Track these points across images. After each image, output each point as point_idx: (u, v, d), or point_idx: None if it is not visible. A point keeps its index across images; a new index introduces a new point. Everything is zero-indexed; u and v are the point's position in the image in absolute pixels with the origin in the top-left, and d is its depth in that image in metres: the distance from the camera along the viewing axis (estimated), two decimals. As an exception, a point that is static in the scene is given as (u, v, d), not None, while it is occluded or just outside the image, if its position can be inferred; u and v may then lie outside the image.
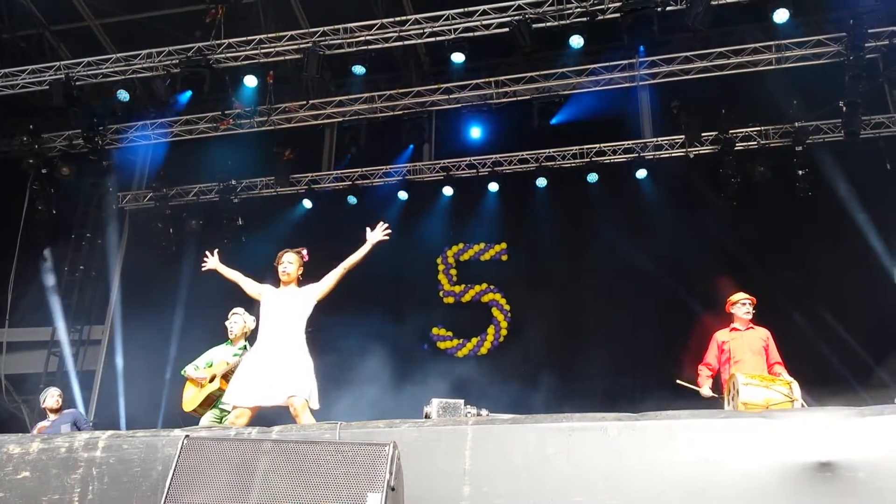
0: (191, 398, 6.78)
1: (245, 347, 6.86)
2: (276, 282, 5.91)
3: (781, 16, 10.07)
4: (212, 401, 6.72)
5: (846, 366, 9.78)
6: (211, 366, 6.88)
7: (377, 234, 5.87)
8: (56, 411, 8.05)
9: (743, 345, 6.91)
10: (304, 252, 5.92)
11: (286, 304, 5.72)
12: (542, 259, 11.91)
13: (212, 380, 6.73)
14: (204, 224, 13.20)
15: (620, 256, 11.33)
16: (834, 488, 3.73)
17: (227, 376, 6.62)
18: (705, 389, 6.94)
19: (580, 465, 4.03)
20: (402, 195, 12.62)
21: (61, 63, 11.75)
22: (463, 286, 12.18)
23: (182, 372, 7.05)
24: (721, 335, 7.12)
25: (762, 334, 7.00)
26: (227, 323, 7.14)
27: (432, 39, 10.95)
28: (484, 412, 5.74)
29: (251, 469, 3.76)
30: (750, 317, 7.05)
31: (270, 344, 5.59)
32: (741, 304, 7.07)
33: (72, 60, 11.79)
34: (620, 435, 4.07)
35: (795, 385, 6.14)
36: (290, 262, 5.83)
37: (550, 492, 4.00)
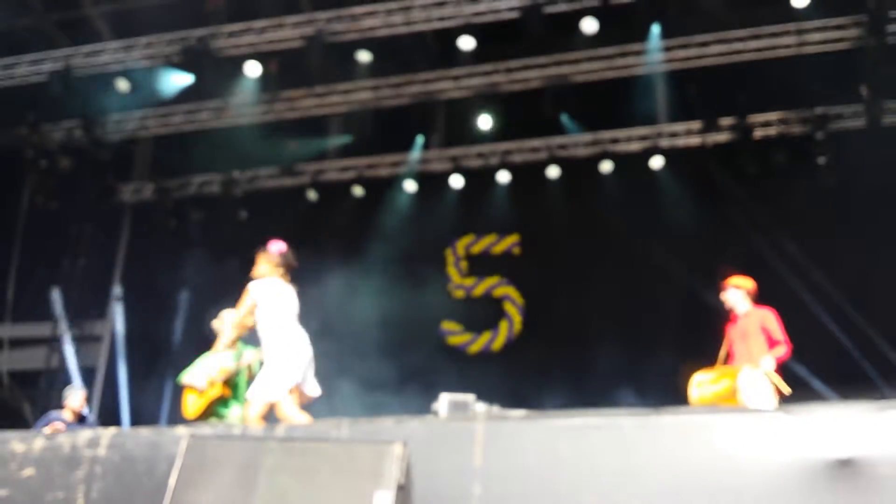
0: (192, 406, 6.53)
1: (240, 351, 6.63)
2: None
3: (801, -2, 9.87)
4: (214, 406, 6.49)
5: (868, 360, 9.56)
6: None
7: None
8: (77, 413, 7.79)
9: (736, 333, 6.66)
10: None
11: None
12: (555, 251, 11.65)
13: (212, 386, 6.51)
14: (206, 217, 13.04)
15: (635, 247, 11.10)
16: (854, 484, 3.63)
17: (228, 382, 6.46)
18: None
19: (594, 463, 3.95)
20: (410, 186, 12.37)
21: (60, 52, 11.54)
22: (474, 279, 11.94)
23: (178, 380, 6.79)
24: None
25: (758, 315, 6.62)
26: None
27: (440, 25, 10.70)
28: (496, 408, 5.70)
29: (256, 467, 3.75)
30: (734, 304, 6.75)
31: None
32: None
33: (70, 49, 11.57)
34: (635, 432, 3.99)
35: (743, 377, 5.87)
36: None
37: (563, 490, 3.92)
